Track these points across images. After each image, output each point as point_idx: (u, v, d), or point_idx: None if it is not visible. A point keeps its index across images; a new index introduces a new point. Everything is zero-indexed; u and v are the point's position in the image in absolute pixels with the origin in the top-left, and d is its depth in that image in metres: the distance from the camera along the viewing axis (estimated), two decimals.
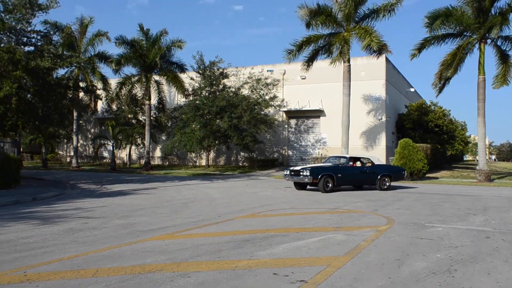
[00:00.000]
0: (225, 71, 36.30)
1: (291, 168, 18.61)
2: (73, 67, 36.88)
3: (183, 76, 37.57)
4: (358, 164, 19.63)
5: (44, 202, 14.85)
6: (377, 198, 15.89)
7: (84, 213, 11.70)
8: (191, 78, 36.43)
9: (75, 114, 39.25)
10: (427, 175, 27.67)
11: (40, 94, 21.27)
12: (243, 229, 9.20)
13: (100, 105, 45.87)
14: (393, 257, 6.79)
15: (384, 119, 36.36)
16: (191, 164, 42.58)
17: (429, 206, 13.61)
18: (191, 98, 36.15)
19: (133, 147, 43.31)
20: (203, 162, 40.63)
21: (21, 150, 45.66)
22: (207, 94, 35.23)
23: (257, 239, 8.03)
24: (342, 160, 19.39)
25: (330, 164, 19.15)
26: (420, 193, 18.22)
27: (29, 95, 22.10)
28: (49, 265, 6.23)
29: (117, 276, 5.63)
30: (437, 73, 30.03)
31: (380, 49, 27.99)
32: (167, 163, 43.95)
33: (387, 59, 36.52)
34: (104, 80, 40.20)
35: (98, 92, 38.02)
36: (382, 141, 36.47)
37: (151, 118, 37.70)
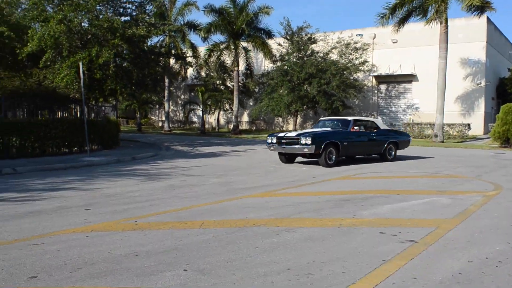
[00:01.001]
0: (313, 36, 35.57)
1: (280, 135, 14.22)
2: (165, 36, 37.96)
3: (271, 42, 37.39)
4: (362, 128, 15.63)
5: (143, 161, 15.59)
6: (478, 164, 14.92)
7: (182, 172, 12.11)
8: (279, 44, 36.13)
9: (166, 81, 40.68)
10: None
11: (135, 61, 22.07)
12: (341, 189, 9.03)
13: (190, 72, 47.11)
14: (507, 223, 6.30)
15: (483, 83, 33.97)
16: (278, 128, 42.76)
17: None
18: (278, 63, 35.97)
19: (221, 112, 44.25)
20: (290, 127, 40.61)
21: (118, 115, 48.40)
22: (295, 59, 34.82)
23: (357, 199, 7.83)
24: (342, 124, 15.11)
25: (330, 129, 14.87)
26: None
27: (125, 63, 23.05)
28: (156, 216, 6.49)
29: (222, 228, 5.73)
30: None
31: (482, 6, 25.91)
32: (254, 127, 44.47)
33: (488, 19, 33.79)
34: (193, 48, 41.18)
35: (188, 59, 39.00)
36: (480, 107, 34.20)
37: (239, 84, 38.10)
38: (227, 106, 41.97)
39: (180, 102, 50.81)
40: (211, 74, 40.88)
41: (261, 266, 4.28)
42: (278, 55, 36.63)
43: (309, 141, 13.04)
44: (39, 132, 16.02)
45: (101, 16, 20.70)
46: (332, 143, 13.55)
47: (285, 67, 34.18)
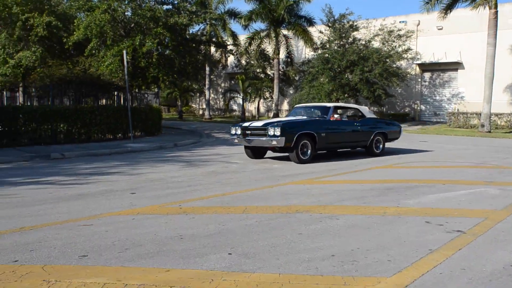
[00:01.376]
0: (355, 23, 34.89)
1: (245, 125, 12.03)
2: (205, 24, 38.19)
3: (312, 30, 36.98)
4: (345, 117, 13.55)
5: (184, 148, 15.83)
6: None
7: (223, 158, 12.21)
8: (320, 32, 35.64)
9: (207, 69, 40.96)
10: None
11: (177, 50, 22.32)
12: (384, 178, 8.87)
13: (230, 60, 47.25)
14: None
15: None
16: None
17: None
18: (319, 51, 35.56)
19: (261, 100, 44.24)
20: None
21: (160, 103, 49.24)
22: (336, 47, 34.32)
23: (401, 188, 7.68)
24: (320, 112, 12.75)
25: (305, 117, 12.57)
26: None
27: (167, 51, 23.36)
28: (200, 201, 6.58)
29: (265, 214, 5.75)
30: None
31: None
32: None
33: None
34: (234, 36, 41.26)
35: (229, 47, 39.14)
36: None
37: (280, 72, 37.95)
38: (267, 94, 41.92)
39: (220, 90, 51.11)
40: (252, 62, 40.86)
41: (305, 251, 4.27)
42: (319, 42, 36.19)
43: (277, 132, 10.70)
44: (85, 118, 16.48)
45: (143, 5, 21.02)
46: (307, 134, 11.23)
47: (326, 55, 33.75)
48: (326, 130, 11.72)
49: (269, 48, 39.37)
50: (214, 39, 35.70)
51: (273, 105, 37.68)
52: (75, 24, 20.05)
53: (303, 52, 42.23)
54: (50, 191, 7.39)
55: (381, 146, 13.41)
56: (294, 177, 8.99)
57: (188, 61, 23.60)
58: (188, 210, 5.95)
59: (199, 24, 31.29)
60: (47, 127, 15.61)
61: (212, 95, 49.41)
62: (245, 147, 12.30)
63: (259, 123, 11.83)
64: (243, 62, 43.00)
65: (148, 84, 24.58)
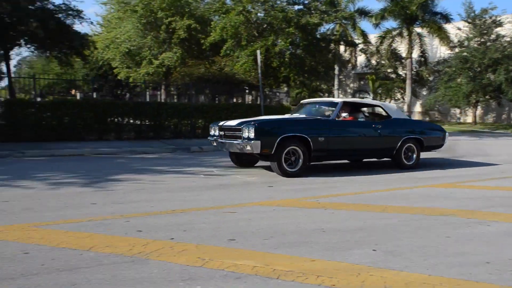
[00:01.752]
0: (498, 18, 32.16)
1: (221, 124, 9.55)
2: (335, 23, 37.97)
3: (448, 27, 34.81)
4: (360, 117, 10.17)
5: None
6: None
7: None
8: (458, 28, 33.45)
9: (336, 69, 40.69)
10: None
11: (308, 49, 22.50)
12: None
13: (359, 60, 46.41)
14: None
15: None
16: (454, 120, 39.89)
17: None
18: (456, 50, 33.36)
19: (392, 101, 42.82)
20: (468, 119, 37.60)
21: (289, 102, 50.17)
22: (475, 45, 31.92)
23: None
24: (325, 109, 10.02)
25: (303, 116, 9.72)
26: None
27: (298, 50, 23.67)
28: (337, 197, 6.57)
29: (407, 214, 5.55)
30: None
31: None
32: (427, 118, 42.14)
33: None
34: (363, 35, 40.39)
35: (359, 47, 38.52)
36: None
37: (412, 72, 36.37)
38: (398, 95, 40.48)
39: (349, 90, 50.49)
40: (382, 62, 39.69)
41: (455, 255, 4.02)
42: (456, 40, 33.95)
43: (251, 133, 8.19)
44: (221, 115, 17.29)
45: (275, 6, 21.52)
46: (296, 138, 8.47)
47: (465, 53, 31.55)
48: (327, 133, 8.85)
49: (401, 47, 37.93)
50: (344, 38, 35.41)
51: (405, 106, 36.22)
52: (211, 26, 21.24)
53: (438, 51, 40.01)
54: (193, 180, 7.91)
55: (414, 156, 10.15)
56: (434, 180, 8.54)
57: (318, 61, 23.68)
58: (326, 205, 5.96)
59: (329, 24, 31.28)
60: (187, 122, 16.74)
61: (340, 95, 48.99)
62: (230, 152, 9.83)
63: (234, 122, 9.25)
64: (374, 62, 41.96)
65: (279, 83, 25.13)
